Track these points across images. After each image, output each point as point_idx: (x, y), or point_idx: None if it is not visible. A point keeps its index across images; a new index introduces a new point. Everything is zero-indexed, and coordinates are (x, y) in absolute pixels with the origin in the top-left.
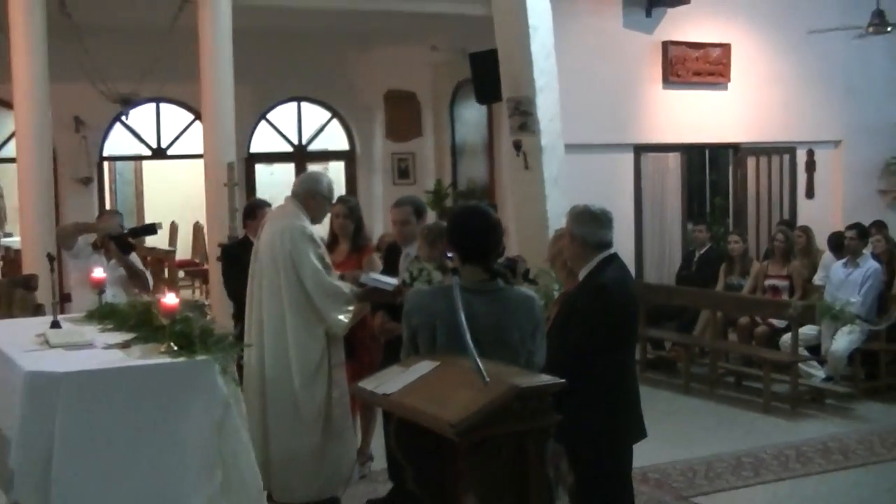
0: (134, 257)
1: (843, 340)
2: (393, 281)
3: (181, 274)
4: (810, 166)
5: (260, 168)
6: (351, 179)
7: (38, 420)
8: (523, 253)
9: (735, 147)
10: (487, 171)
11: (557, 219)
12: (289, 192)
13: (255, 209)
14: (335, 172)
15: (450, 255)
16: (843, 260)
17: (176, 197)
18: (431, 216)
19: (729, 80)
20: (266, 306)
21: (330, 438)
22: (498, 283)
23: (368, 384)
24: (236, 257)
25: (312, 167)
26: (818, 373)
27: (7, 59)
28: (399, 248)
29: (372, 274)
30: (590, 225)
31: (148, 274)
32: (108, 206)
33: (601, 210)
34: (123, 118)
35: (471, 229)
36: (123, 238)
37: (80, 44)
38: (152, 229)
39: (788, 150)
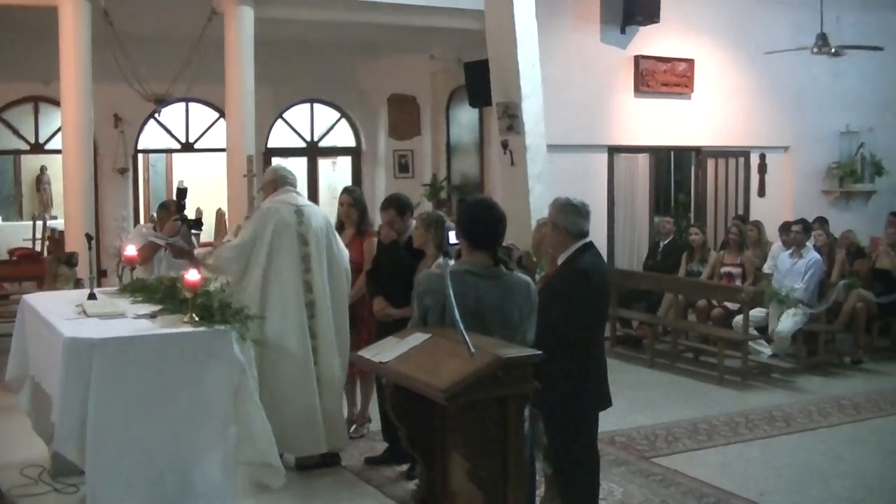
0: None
1: (787, 322)
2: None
3: None
4: (762, 168)
5: (276, 161)
6: (357, 173)
7: (75, 380)
8: (510, 241)
9: (697, 150)
10: (478, 167)
11: (540, 210)
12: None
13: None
14: (343, 166)
15: (456, 242)
16: (789, 251)
17: (202, 186)
18: (427, 206)
19: (692, 91)
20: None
21: (332, 400)
22: (502, 269)
23: (367, 353)
24: None
25: (323, 161)
26: (765, 350)
27: (56, 62)
28: (398, 243)
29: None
30: (571, 215)
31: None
32: (141, 194)
33: (581, 203)
34: (157, 115)
35: (481, 220)
36: (193, 221)
37: (121, 49)
38: (199, 225)
39: (743, 153)
